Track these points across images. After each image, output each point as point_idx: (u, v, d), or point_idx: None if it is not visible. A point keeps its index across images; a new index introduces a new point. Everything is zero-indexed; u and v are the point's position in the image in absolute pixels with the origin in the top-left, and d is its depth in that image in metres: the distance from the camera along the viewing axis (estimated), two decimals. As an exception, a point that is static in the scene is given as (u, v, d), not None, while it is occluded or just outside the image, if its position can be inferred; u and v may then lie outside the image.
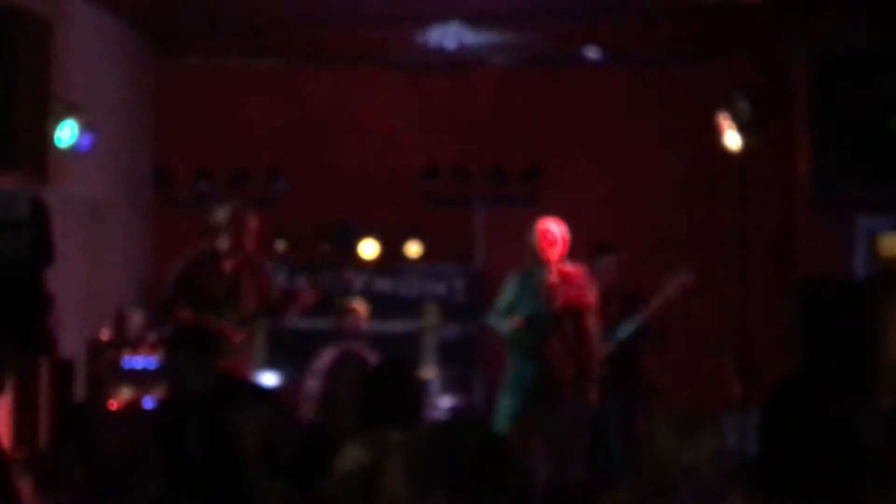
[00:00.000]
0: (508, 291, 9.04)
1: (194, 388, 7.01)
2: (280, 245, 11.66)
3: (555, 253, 8.84)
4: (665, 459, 3.71)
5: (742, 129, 10.14)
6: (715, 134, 10.09)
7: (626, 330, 9.47)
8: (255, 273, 8.86)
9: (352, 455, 4.81)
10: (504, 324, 8.96)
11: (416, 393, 5.63)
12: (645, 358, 9.74)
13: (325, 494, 4.90)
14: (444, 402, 10.45)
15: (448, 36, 11.55)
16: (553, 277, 8.81)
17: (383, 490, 4.67)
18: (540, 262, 8.85)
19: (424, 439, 4.45)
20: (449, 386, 10.75)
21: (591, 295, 8.95)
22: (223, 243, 8.76)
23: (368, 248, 11.60)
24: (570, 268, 8.92)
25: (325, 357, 9.90)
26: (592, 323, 8.95)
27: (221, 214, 8.80)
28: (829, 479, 3.01)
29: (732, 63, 11.37)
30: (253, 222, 8.83)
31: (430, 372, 10.66)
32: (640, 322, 9.46)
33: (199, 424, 6.56)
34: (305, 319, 10.27)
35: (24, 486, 7.80)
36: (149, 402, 9.48)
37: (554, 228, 8.88)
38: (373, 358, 9.64)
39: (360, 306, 10.20)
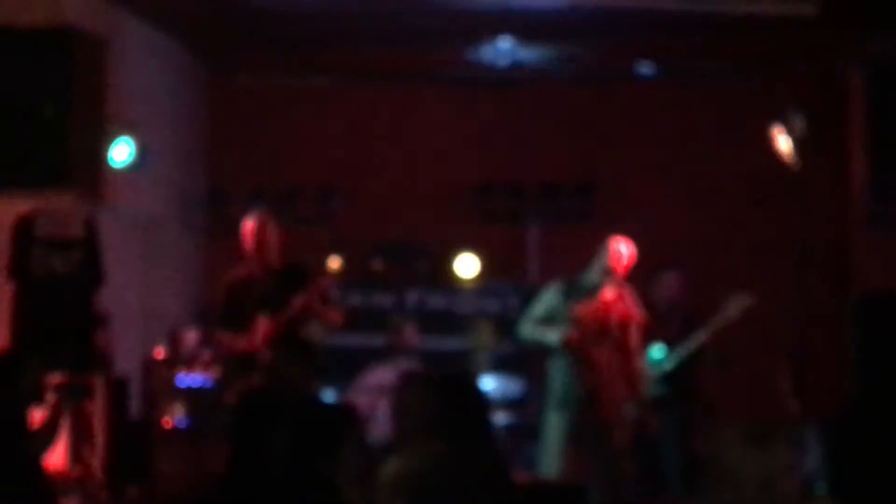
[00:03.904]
0: (549, 300, 8.99)
1: (296, 391, 7.13)
2: (334, 262, 11.66)
3: (620, 271, 8.83)
4: (740, 472, 3.60)
5: (798, 143, 10.05)
6: (770, 147, 9.99)
7: (681, 352, 9.34)
8: (281, 284, 8.55)
9: (396, 463, 4.81)
10: (548, 334, 8.87)
11: (486, 405, 5.51)
12: (703, 378, 9.60)
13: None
14: (498, 420, 10.39)
15: (501, 52, 11.53)
16: (610, 291, 8.78)
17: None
18: (605, 275, 8.82)
19: (414, 461, 4.42)
20: (502, 403, 10.70)
21: (638, 313, 8.89)
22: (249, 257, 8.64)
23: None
24: (622, 287, 8.88)
25: (384, 375, 9.87)
26: (637, 339, 8.89)
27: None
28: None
29: (788, 77, 11.28)
30: (269, 226, 8.62)
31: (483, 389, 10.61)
32: (697, 343, 9.31)
33: (294, 424, 6.79)
34: (356, 336, 10.27)
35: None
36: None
37: (623, 248, 8.85)
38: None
39: (411, 323, 10.18)
